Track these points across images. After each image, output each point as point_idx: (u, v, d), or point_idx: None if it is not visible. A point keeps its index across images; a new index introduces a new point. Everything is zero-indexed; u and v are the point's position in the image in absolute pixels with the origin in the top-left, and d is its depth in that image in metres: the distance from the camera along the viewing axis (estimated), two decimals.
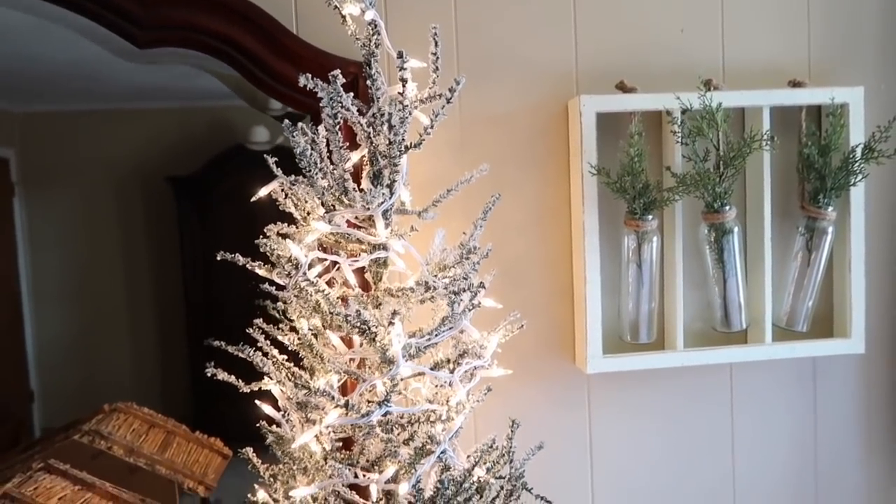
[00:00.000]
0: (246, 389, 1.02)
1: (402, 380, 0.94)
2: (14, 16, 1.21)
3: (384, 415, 0.91)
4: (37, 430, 1.33)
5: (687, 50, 1.36)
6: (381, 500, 0.99)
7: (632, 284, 1.30)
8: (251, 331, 1.04)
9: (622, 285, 1.32)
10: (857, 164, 1.27)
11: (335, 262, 1.00)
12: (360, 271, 1.01)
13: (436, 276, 0.99)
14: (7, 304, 1.31)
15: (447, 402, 0.97)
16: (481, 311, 0.99)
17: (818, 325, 1.38)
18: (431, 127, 0.95)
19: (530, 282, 1.35)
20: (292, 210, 1.02)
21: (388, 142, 0.94)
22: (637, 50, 1.35)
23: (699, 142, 1.24)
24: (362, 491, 1.00)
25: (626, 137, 1.25)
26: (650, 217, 1.27)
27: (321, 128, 0.95)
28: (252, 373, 0.98)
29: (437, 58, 0.95)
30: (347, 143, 0.94)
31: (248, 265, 0.97)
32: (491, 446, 1.01)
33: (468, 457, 1.01)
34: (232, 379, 1.01)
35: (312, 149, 0.92)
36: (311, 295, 0.94)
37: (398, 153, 0.94)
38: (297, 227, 1.00)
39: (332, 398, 0.90)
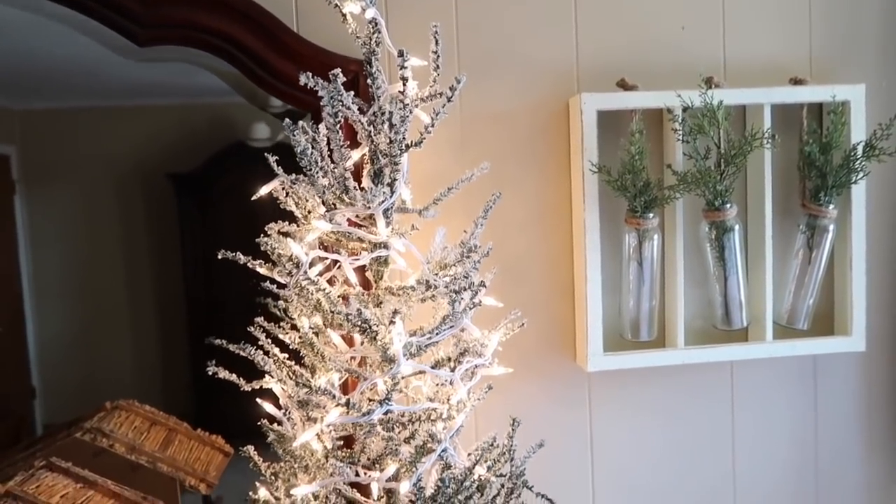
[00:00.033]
0: (247, 388, 1.02)
1: (402, 378, 0.94)
2: (11, 11, 1.20)
3: (385, 413, 0.91)
4: (38, 427, 1.33)
5: (688, 47, 1.36)
6: (382, 498, 0.99)
7: (633, 282, 1.30)
8: (252, 329, 1.04)
9: (623, 283, 1.32)
10: (858, 161, 1.27)
11: (336, 261, 1.00)
12: (360, 270, 1.01)
13: (436, 274, 0.99)
14: (8, 301, 1.31)
15: (448, 400, 0.97)
16: (482, 310, 0.99)
17: (819, 323, 1.38)
18: (432, 125, 0.95)
19: (531, 280, 1.35)
20: (293, 208, 1.01)
21: (388, 140, 0.94)
22: (638, 48, 1.35)
23: (700, 140, 1.24)
24: (363, 489, 1.00)
25: (626, 135, 1.25)
26: (651, 215, 1.27)
27: (322, 126, 0.95)
28: (253, 370, 0.98)
29: (438, 56, 0.95)
30: (348, 142, 0.94)
31: (248, 264, 0.97)
32: (492, 444, 1.02)
33: (469, 455, 1.01)
34: (233, 377, 1.01)
35: (313, 147, 0.92)
36: (312, 293, 0.94)
37: (399, 152, 0.94)
38: (297, 226, 1.00)
39: (334, 397, 0.90)
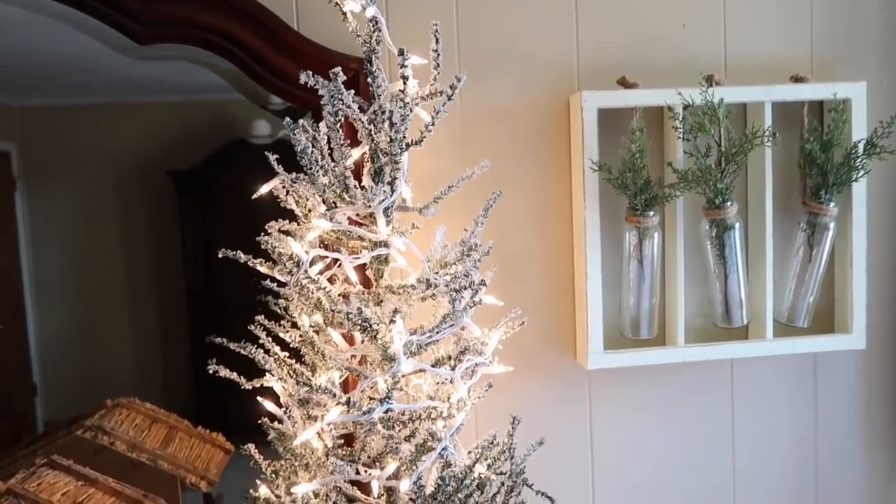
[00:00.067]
0: (248, 386, 1.02)
1: (403, 377, 0.94)
2: (11, 10, 1.20)
3: (385, 412, 0.91)
4: (39, 424, 1.34)
5: (688, 45, 1.35)
6: (382, 496, 1.00)
7: (633, 280, 1.30)
8: (253, 327, 1.04)
9: (623, 281, 1.32)
10: (859, 159, 1.27)
11: (336, 259, 1.00)
12: (361, 268, 1.01)
13: (437, 273, 0.99)
14: (9, 298, 1.31)
15: (448, 398, 0.98)
16: (482, 308, 0.99)
17: (819, 321, 1.38)
18: (433, 124, 0.95)
19: (531, 278, 1.35)
20: (293, 207, 1.02)
21: (389, 139, 0.94)
22: (639, 45, 1.34)
23: (701, 138, 1.24)
24: (364, 487, 1.00)
25: (627, 133, 1.25)
26: (651, 213, 1.27)
27: (322, 125, 0.95)
28: (254, 368, 0.98)
29: (438, 54, 0.95)
30: (348, 140, 0.94)
31: (249, 262, 0.97)
32: (492, 443, 1.02)
33: (469, 453, 1.01)
34: (234, 376, 1.01)
35: (314, 146, 0.92)
36: (312, 292, 0.94)
37: (399, 150, 0.94)
38: (298, 224, 1.00)
39: (334, 395, 0.90)
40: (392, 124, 0.93)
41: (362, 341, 0.97)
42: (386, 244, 0.97)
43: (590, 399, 1.39)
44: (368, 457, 1.00)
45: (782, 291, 1.35)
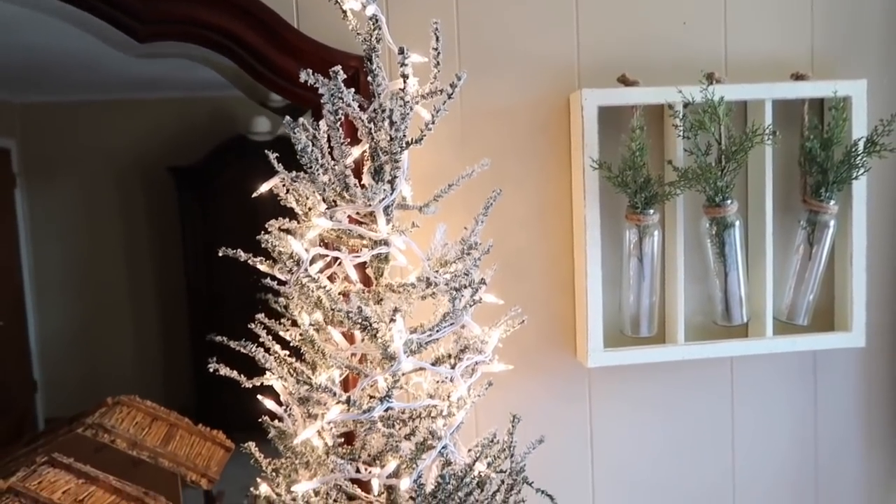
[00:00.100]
0: (248, 384, 1.02)
1: (403, 375, 0.95)
2: (11, 7, 1.20)
3: (386, 410, 0.91)
4: (40, 421, 1.34)
5: (689, 43, 1.35)
6: (382, 494, 1.00)
7: (633, 278, 1.30)
8: (253, 326, 1.04)
9: (623, 279, 1.32)
10: (859, 157, 1.27)
11: (336, 258, 1.00)
12: (361, 267, 1.01)
13: (437, 271, 0.99)
14: (9, 295, 1.31)
15: (448, 397, 0.98)
16: (482, 306, 0.99)
17: (819, 319, 1.38)
18: (433, 122, 0.95)
19: (531, 276, 1.35)
20: (293, 206, 1.02)
21: (389, 138, 0.94)
22: (639, 43, 1.34)
23: (701, 135, 1.23)
24: (364, 486, 1.01)
25: (627, 131, 1.25)
26: (651, 211, 1.27)
27: (322, 123, 0.95)
28: (254, 366, 0.98)
29: (439, 52, 0.95)
30: (348, 139, 0.94)
31: (249, 261, 0.97)
32: (492, 441, 1.02)
33: (469, 451, 1.01)
34: (234, 374, 1.01)
35: (314, 144, 0.92)
36: (312, 290, 0.94)
37: (399, 149, 0.94)
38: (298, 223, 1.00)
39: (334, 394, 0.90)
40: (392, 123, 0.93)
41: (362, 340, 0.97)
42: (386, 242, 0.97)
43: (590, 397, 1.39)
44: (369, 455, 1.00)
45: (782, 289, 1.35)
